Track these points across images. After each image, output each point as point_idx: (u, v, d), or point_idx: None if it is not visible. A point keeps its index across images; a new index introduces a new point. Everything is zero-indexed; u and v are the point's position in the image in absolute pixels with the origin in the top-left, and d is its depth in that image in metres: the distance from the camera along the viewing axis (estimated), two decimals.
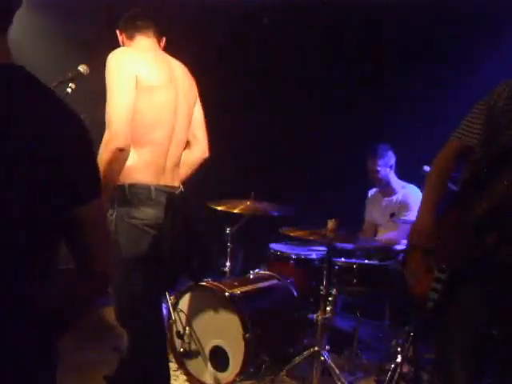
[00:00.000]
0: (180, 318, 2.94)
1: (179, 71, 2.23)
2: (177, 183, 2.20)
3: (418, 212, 1.99)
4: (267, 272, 3.32)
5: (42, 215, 0.96)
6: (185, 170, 2.31)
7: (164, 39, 2.29)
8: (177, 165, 2.21)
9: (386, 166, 3.72)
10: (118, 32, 2.28)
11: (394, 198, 3.75)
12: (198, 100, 2.33)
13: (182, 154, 2.25)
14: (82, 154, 1.04)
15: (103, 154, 1.89)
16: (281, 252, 3.60)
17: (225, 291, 2.74)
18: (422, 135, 4.05)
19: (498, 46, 3.77)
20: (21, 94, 0.95)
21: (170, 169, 2.15)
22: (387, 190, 3.80)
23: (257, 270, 3.38)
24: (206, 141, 2.35)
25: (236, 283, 2.97)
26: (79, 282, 1.08)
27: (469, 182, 1.87)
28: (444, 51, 4.03)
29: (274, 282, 3.20)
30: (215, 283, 2.86)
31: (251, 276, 3.31)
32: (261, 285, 3.14)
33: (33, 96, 0.97)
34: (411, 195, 3.67)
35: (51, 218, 0.98)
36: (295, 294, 3.15)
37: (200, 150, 2.34)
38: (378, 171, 3.67)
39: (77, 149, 1.02)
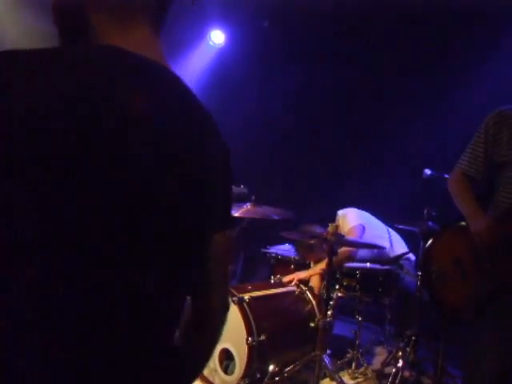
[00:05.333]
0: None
1: None
2: None
3: (470, 223, 1.93)
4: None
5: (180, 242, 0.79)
6: None
7: None
8: None
9: None
10: None
11: None
12: None
13: None
14: (224, 176, 0.88)
15: None
16: (282, 256, 3.59)
17: (234, 295, 2.73)
18: (422, 135, 4.05)
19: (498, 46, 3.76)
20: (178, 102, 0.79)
21: None
22: None
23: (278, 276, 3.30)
24: None
25: (250, 287, 2.94)
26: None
27: None
28: (444, 52, 4.02)
29: (291, 288, 3.15)
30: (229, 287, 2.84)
31: (272, 281, 3.28)
32: (276, 290, 3.09)
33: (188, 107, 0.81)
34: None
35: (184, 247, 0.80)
36: (311, 301, 3.08)
37: None
38: None
39: (222, 173, 0.87)
